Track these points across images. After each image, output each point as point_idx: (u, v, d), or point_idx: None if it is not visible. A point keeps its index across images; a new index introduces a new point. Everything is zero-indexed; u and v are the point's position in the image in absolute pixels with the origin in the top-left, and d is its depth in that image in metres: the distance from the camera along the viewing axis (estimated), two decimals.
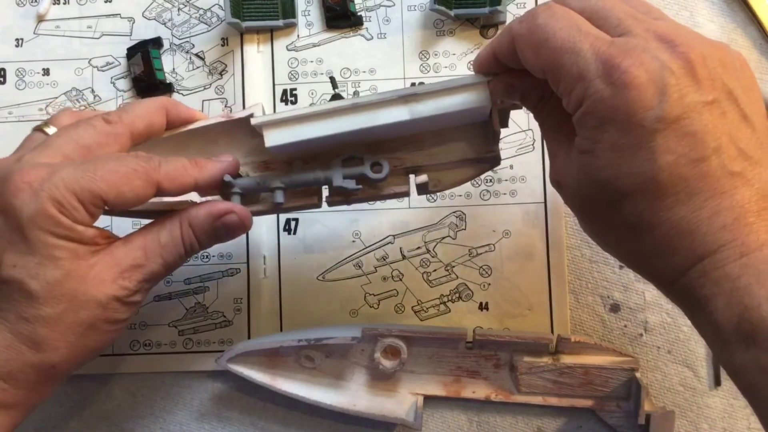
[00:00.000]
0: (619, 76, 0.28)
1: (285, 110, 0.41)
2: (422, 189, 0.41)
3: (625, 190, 0.29)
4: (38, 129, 0.40)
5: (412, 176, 0.41)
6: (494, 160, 0.41)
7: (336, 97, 0.50)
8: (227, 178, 0.39)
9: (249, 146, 0.41)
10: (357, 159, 0.40)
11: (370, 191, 0.40)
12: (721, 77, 0.29)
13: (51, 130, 0.39)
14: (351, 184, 0.39)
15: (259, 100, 0.50)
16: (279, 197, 0.39)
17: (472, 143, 0.40)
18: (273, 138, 0.38)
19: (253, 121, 0.38)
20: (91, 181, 0.34)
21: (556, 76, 0.31)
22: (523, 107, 0.38)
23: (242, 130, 0.41)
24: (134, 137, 0.38)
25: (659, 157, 0.28)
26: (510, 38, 0.33)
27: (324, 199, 0.41)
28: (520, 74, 0.35)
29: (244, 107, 0.50)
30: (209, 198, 0.41)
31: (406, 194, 0.41)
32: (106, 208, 0.35)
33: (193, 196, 0.41)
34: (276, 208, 0.41)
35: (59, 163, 0.35)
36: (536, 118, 0.37)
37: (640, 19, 0.31)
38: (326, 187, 0.41)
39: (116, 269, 0.35)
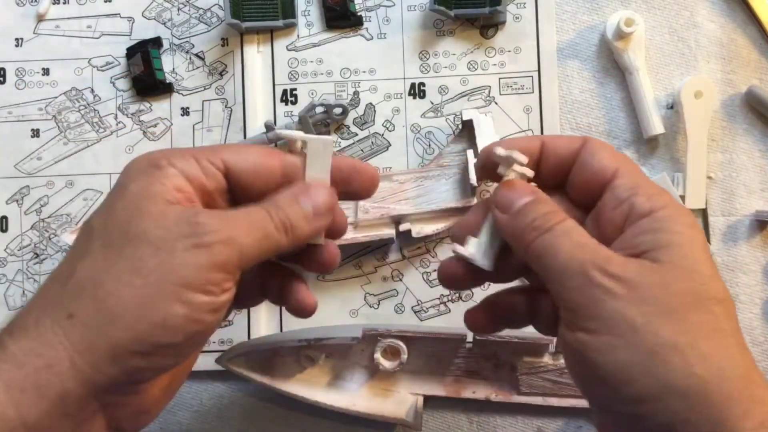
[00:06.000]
0: None
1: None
2: (406, 236, 0.47)
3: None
4: None
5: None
6: None
7: None
8: None
9: None
10: None
11: (360, 237, 0.47)
12: None
13: None
14: None
15: (258, 100, 0.50)
16: None
17: (452, 196, 0.47)
18: None
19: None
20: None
21: (556, 289, 0.28)
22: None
23: None
24: None
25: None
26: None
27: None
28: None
29: (244, 108, 0.50)
30: None
31: (392, 240, 0.48)
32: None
33: None
34: None
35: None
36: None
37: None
38: None
39: None
